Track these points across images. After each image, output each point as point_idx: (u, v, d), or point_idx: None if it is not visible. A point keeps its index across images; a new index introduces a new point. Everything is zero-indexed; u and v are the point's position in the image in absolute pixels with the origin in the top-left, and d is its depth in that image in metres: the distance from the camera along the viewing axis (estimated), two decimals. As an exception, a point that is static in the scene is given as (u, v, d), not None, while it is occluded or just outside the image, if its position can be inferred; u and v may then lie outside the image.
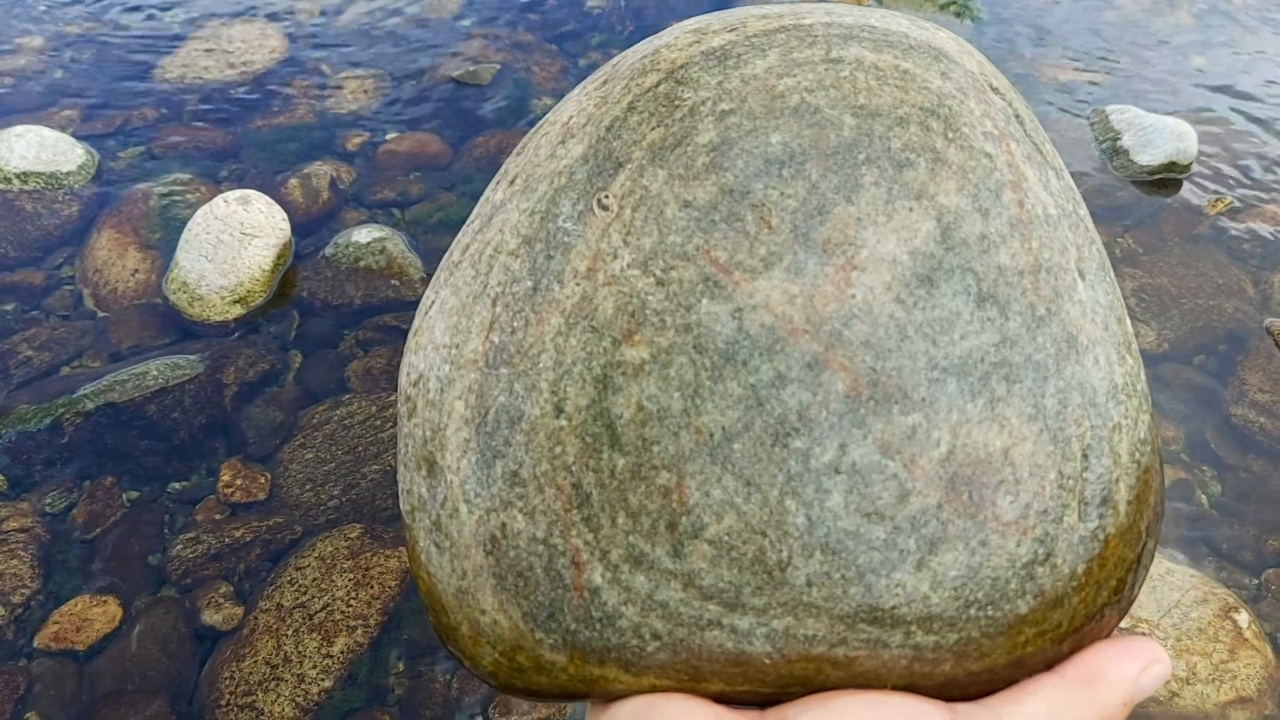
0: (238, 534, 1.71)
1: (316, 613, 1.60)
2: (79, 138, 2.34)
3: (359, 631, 1.60)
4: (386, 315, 2.05)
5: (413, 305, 2.06)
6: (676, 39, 0.50)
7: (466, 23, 2.83)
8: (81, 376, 1.88)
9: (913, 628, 0.39)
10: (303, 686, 1.54)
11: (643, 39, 0.52)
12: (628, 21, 2.85)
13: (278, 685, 1.53)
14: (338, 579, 1.64)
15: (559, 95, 2.61)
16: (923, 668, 0.40)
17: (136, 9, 2.82)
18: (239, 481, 1.80)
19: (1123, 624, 1.65)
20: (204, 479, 1.81)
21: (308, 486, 1.80)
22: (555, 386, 0.42)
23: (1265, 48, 2.89)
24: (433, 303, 0.49)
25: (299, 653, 1.56)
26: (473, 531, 0.43)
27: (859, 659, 0.40)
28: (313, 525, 1.76)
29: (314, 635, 1.58)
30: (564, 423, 0.42)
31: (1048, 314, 0.43)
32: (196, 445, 1.84)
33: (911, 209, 0.43)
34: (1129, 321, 0.47)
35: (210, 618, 1.62)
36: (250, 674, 1.55)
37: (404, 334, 2.02)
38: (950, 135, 0.45)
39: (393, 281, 2.09)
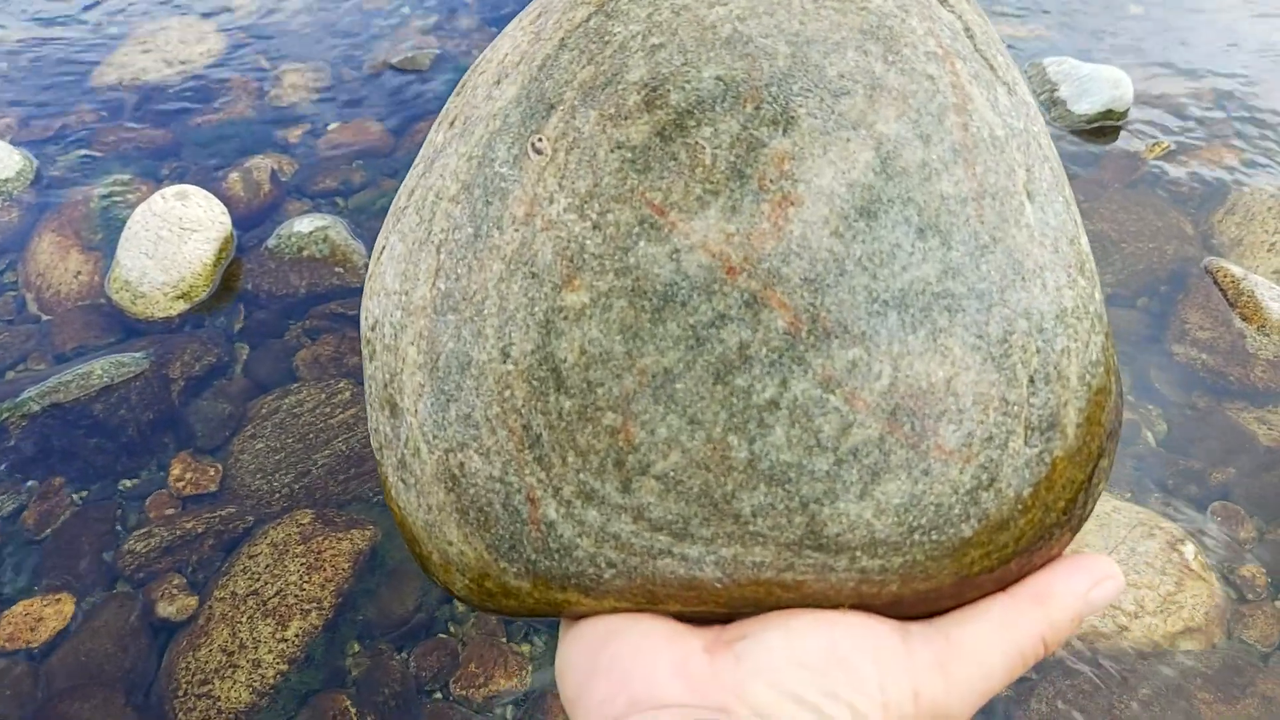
0: (189, 526, 1.71)
1: (270, 598, 1.60)
2: (16, 144, 2.33)
3: (313, 614, 1.60)
4: (332, 303, 2.05)
5: (357, 291, 2.06)
6: None
7: (405, 9, 2.82)
8: (26, 380, 1.88)
9: (858, 553, 0.40)
10: (259, 672, 1.54)
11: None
12: None
13: (234, 672, 1.54)
14: (290, 564, 1.64)
15: (500, 77, 2.61)
16: (870, 589, 0.40)
17: (72, 12, 2.80)
18: (189, 475, 1.80)
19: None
20: (154, 474, 1.81)
21: (259, 476, 1.80)
22: (500, 332, 0.43)
23: (1200, -7, 2.91)
24: (383, 248, 0.50)
25: (254, 639, 1.57)
26: (434, 471, 0.44)
27: (807, 582, 0.40)
28: (265, 514, 1.76)
29: (268, 621, 1.58)
30: (510, 367, 0.42)
31: (992, 241, 0.42)
32: (145, 441, 1.83)
33: (849, 140, 0.42)
34: (1084, 239, 0.46)
35: (164, 609, 1.62)
36: (206, 662, 1.55)
37: (350, 321, 2.02)
38: (890, 58, 0.43)
39: (337, 269, 2.09)
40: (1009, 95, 0.46)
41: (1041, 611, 0.40)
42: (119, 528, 1.74)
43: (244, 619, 1.58)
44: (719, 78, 0.43)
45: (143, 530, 1.71)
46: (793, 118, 0.42)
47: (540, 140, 0.44)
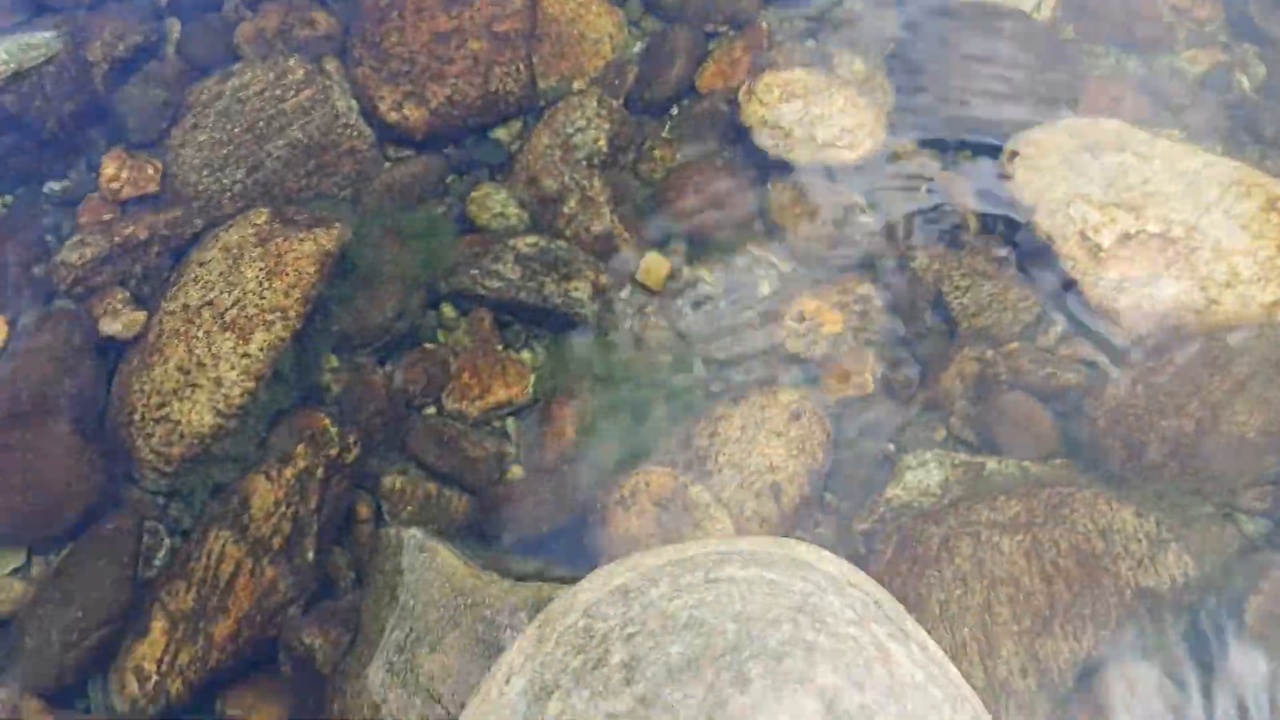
0: (130, 233, 1.48)
1: (227, 309, 1.39)
2: None
3: (278, 325, 1.39)
4: (273, -35, 1.72)
5: (302, -51, 1.73)
6: (590, 582, 0.72)
7: None
8: (-78, 71, 1.60)
9: None
10: (222, 391, 1.35)
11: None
12: None
13: (194, 392, 1.35)
14: (247, 270, 1.42)
15: None
16: None
17: None
18: (125, 174, 1.55)
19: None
20: (84, 175, 1.57)
21: (205, 172, 1.55)
22: None
23: None
24: None
25: (213, 355, 1.37)
26: None
27: None
28: (215, 215, 1.52)
29: (227, 334, 1.38)
30: None
31: None
32: (69, 137, 1.57)
33: (796, 692, 0.58)
34: None
35: (109, 327, 1.42)
36: (162, 383, 1.36)
37: (297, -15, 1.70)
38: (817, 626, 0.62)
39: (275, -76, 1.75)
40: (922, 651, 0.68)
41: None
42: (50, 238, 1.52)
43: (200, 333, 1.38)
44: (683, 652, 0.61)
45: (77, 240, 1.48)
46: (747, 679, 0.59)
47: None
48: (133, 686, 1.20)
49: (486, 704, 0.65)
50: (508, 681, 0.65)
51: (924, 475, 1.33)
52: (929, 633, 1.19)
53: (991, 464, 1.34)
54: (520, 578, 1.21)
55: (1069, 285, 1.44)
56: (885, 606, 0.69)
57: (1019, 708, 1.15)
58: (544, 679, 0.62)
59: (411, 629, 1.14)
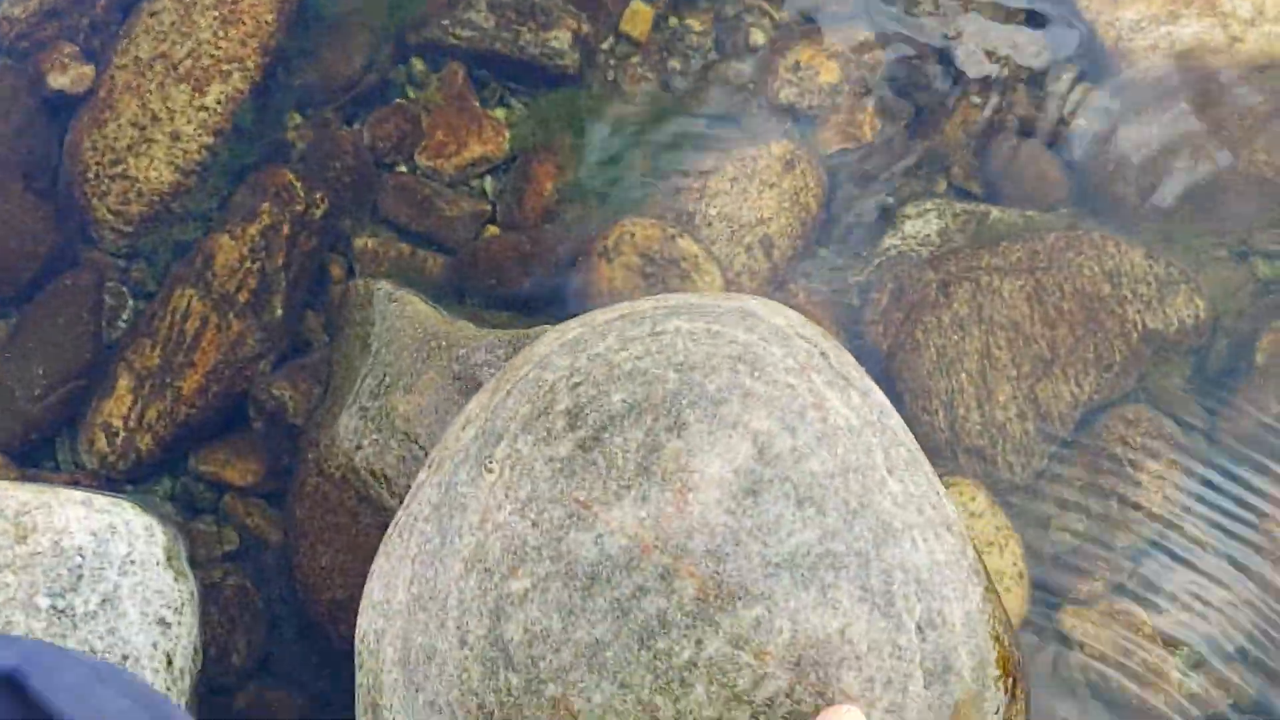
0: (75, -15, 1.38)
1: (181, 60, 1.30)
2: None
3: (236, 77, 1.30)
4: None
5: None
6: (544, 337, 0.72)
7: None
8: None
9: None
10: (179, 145, 1.27)
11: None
12: None
13: (150, 148, 1.27)
14: (200, 19, 1.32)
15: None
16: None
17: None
18: (66, -78, 1.43)
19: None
20: (23, -75, 1.46)
21: (153, -81, 1.44)
22: (459, 622, 0.58)
23: None
24: (373, 571, 0.68)
25: (168, 109, 1.28)
26: None
27: None
28: (165, -36, 1.42)
29: (182, 87, 1.29)
30: (467, 652, 0.57)
31: (861, 507, 0.59)
32: (4, -116, 1.45)
33: (730, 435, 0.60)
34: (949, 505, 0.66)
35: (57, 81, 1.33)
36: (116, 140, 1.28)
37: None
38: (756, 374, 0.62)
39: None
40: (862, 398, 0.67)
41: None
42: (-10, -8, 1.42)
43: (153, 87, 1.29)
44: (624, 399, 0.62)
45: (19, -8, 1.38)
46: (684, 424, 0.60)
47: (491, 461, 0.62)
48: (101, 443, 1.16)
49: (444, 450, 0.67)
50: (464, 429, 0.66)
51: (923, 225, 1.26)
52: (925, 378, 1.16)
53: (996, 213, 1.27)
54: (497, 328, 1.15)
55: (1083, 27, 1.35)
56: (830, 357, 0.68)
57: (1016, 450, 1.12)
58: (494, 426, 0.63)
59: (385, 375, 1.09)
